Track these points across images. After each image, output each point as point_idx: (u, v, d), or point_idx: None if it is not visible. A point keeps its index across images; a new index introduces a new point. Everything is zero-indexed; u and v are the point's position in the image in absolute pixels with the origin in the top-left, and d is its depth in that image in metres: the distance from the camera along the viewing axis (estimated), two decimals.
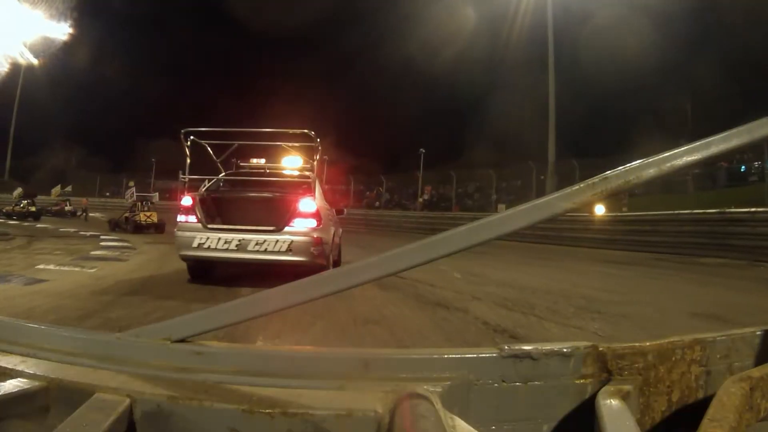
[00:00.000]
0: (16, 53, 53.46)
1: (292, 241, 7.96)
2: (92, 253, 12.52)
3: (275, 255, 7.97)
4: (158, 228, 25.35)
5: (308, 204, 8.39)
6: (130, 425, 0.76)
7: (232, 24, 70.31)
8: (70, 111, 61.35)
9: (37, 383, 0.82)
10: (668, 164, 0.93)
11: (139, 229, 24.41)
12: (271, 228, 8.03)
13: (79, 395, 0.79)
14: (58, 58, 56.57)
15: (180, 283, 8.30)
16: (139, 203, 26.36)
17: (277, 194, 8.94)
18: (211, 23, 70.82)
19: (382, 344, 4.85)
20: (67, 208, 36.85)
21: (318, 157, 9.79)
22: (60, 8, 52.02)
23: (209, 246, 7.98)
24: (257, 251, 7.94)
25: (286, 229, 8.05)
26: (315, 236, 8.16)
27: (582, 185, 0.94)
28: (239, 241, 7.92)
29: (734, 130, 0.94)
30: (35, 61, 54.04)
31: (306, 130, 9.58)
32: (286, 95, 61.19)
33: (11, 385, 0.81)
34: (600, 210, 23.51)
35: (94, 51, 61.03)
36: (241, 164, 11.03)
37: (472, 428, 0.78)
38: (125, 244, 15.70)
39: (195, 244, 8.02)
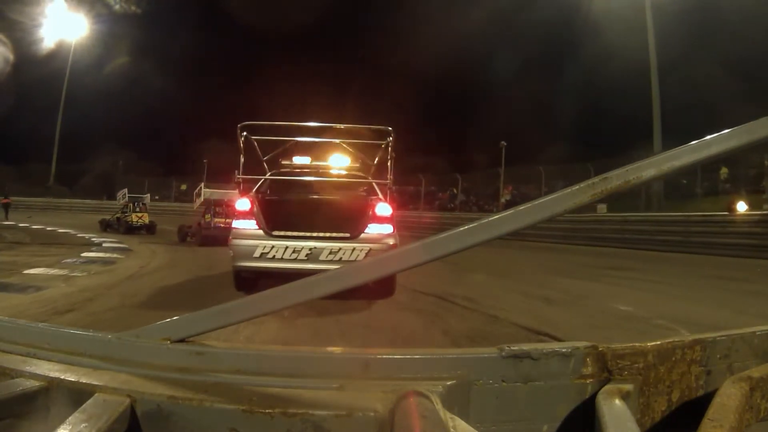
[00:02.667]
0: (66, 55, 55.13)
1: (370, 249, 7.13)
2: (28, 272, 9.66)
3: None
4: (149, 229, 26.86)
5: (384, 208, 7.69)
6: (130, 425, 0.77)
7: (287, 18, 67.73)
8: (118, 114, 60.96)
9: (37, 383, 0.82)
10: (668, 164, 0.94)
11: (130, 230, 25.80)
12: (345, 235, 7.35)
13: (80, 395, 0.80)
14: (106, 60, 57.72)
15: None
16: (131, 204, 27.56)
17: (349, 197, 8.32)
18: (263, 20, 68.17)
19: None
20: None
21: (390, 155, 8.91)
22: (107, 11, 53.24)
23: (274, 256, 7.13)
24: (330, 261, 7.05)
25: (362, 236, 7.37)
26: (392, 243, 7.36)
27: (582, 185, 0.94)
28: (310, 249, 7.12)
29: (734, 130, 0.94)
30: (81, 62, 55.53)
31: (383, 127, 8.86)
32: (350, 89, 57.20)
33: (11, 385, 0.81)
34: (742, 207, 19.58)
35: (143, 53, 61.20)
36: (284, 162, 9.99)
37: (472, 428, 0.78)
38: (108, 255, 13.85)
39: (257, 254, 7.14)
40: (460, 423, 0.77)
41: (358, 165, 10.10)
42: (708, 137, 0.94)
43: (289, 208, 7.78)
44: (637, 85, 32.71)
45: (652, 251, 19.16)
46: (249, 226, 7.44)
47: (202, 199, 22.84)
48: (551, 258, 16.88)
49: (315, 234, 7.31)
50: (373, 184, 8.79)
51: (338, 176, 9.37)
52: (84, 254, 13.56)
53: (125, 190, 29.38)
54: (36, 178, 54.18)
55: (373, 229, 7.46)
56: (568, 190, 0.94)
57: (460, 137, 53.00)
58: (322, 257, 7.06)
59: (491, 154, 39.30)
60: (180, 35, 65.83)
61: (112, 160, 58.09)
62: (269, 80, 62.80)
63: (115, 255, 13.86)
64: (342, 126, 9.50)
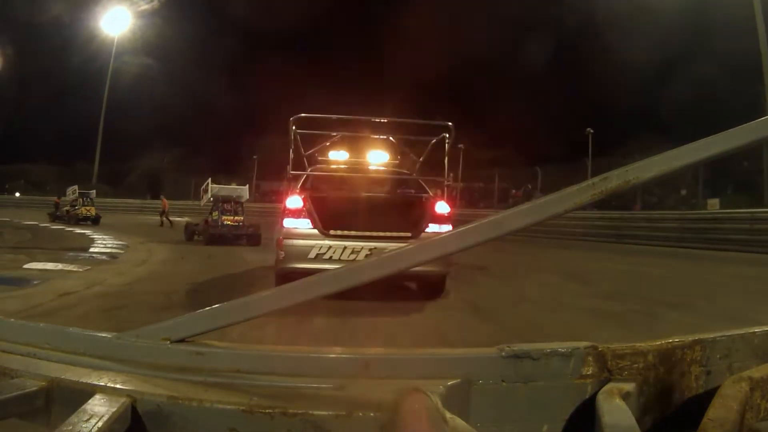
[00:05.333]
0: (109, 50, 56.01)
1: None
2: None
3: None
4: (95, 221, 30.99)
5: (443, 206, 7.37)
6: (130, 425, 0.77)
7: (346, 10, 64.27)
8: (165, 112, 60.39)
9: (37, 383, 0.82)
10: (668, 164, 0.94)
11: (78, 221, 30.07)
12: (406, 234, 6.97)
13: (79, 395, 0.80)
14: (152, 56, 58.31)
15: None
16: (81, 199, 32.23)
17: (407, 195, 7.93)
18: (316, 14, 66.20)
19: None
20: None
21: (448, 152, 8.24)
22: (152, 6, 53.89)
23: (331, 257, 6.81)
24: None
25: (422, 235, 7.00)
26: None
27: (582, 185, 0.95)
28: (370, 250, 6.73)
29: (735, 130, 0.94)
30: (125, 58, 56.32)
31: (441, 122, 8.31)
32: (421, 76, 52.47)
33: (11, 385, 0.82)
34: None
35: (189, 49, 61.18)
36: (320, 158, 9.41)
37: (472, 428, 0.78)
38: (65, 267, 11.08)
39: (312, 255, 6.80)
40: (460, 423, 0.77)
41: (397, 161, 9.70)
42: (708, 137, 0.94)
43: (345, 206, 7.28)
44: (737, 64, 29.31)
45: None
46: (303, 225, 7.05)
47: (209, 195, 22.20)
48: (703, 271, 13.62)
49: (374, 233, 7.03)
50: (426, 182, 8.41)
51: (393, 172, 8.91)
52: (28, 265, 11.25)
53: (75, 187, 33.73)
54: (80, 178, 55.13)
55: (433, 229, 7.18)
56: (569, 189, 0.95)
57: (538, 127, 47.15)
58: None
59: (575, 144, 35.73)
60: (230, 31, 65.21)
61: (157, 158, 58.41)
62: (325, 74, 59.43)
63: (71, 267, 11.26)
64: (399, 120, 9.20)
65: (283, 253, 7.02)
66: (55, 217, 31.90)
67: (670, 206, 27.82)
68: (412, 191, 8.16)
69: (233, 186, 24.05)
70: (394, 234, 6.98)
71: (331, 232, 6.95)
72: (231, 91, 63.84)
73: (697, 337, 0.99)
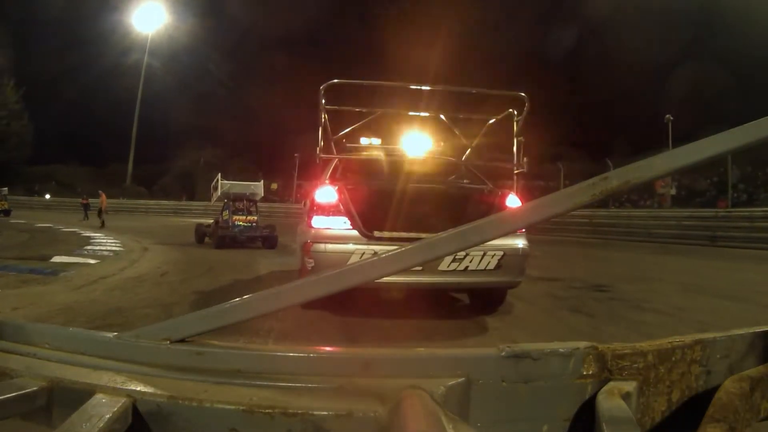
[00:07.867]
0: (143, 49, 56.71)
1: (503, 255, 5.55)
2: None
3: (477, 276, 5.57)
4: (6, 213, 37.52)
5: (515, 201, 6.10)
6: (130, 425, 0.78)
7: None
8: (202, 112, 61.08)
9: (37, 383, 0.83)
10: (669, 164, 0.94)
11: None
12: None
13: (80, 395, 0.80)
14: (188, 55, 58.67)
15: None
16: None
17: (469, 187, 6.56)
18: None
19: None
20: None
21: (518, 134, 6.82)
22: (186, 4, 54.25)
23: None
24: (453, 271, 5.48)
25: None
26: (521, 245, 5.81)
27: (582, 185, 0.95)
28: None
29: (734, 130, 0.94)
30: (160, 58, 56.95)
31: (514, 93, 6.73)
32: (477, 60, 49.04)
33: (11, 385, 0.82)
34: None
35: (228, 47, 61.27)
36: (348, 145, 8.11)
37: (472, 428, 0.79)
38: None
39: (351, 263, 4.80)
40: (460, 423, 0.77)
41: (441, 146, 8.35)
42: (708, 137, 0.94)
43: (394, 201, 5.85)
44: None
45: None
46: (338, 225, 5.70)
47: (219, 193, 20.17)
48: None
49: (432, 236, 5.72)
50: (489, 169, 7.21)
51: (447, 158, 7.59)
52: None
53: None
54: (114, 179, 55.69)
55: None
56: (569, 189, 0.95)
57: (606, 116, 43.69)
58: (442, 266, 5.38)
59: (649, 133, 31.73)
60: (270, 27, 64.96)
61: (193, 159, 58.23)
62: (370, 70, 55.29)
63: None
64: (455, 89, 7.55)
65: (311, 261, 5.60)
66: None
67: (760, 204, 24.94)
68: (467, 182, 6.87)
69: (246, 182, 21.81)
70: None
71: (376, 233, 5.60)
72: (271, 87, 63.05)
73: (697, 337, 0.99)
